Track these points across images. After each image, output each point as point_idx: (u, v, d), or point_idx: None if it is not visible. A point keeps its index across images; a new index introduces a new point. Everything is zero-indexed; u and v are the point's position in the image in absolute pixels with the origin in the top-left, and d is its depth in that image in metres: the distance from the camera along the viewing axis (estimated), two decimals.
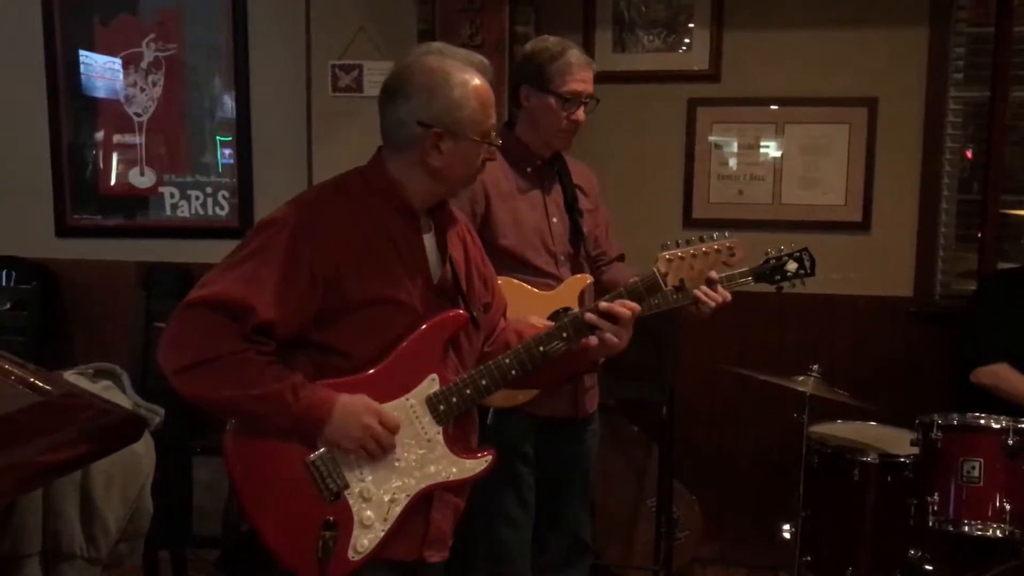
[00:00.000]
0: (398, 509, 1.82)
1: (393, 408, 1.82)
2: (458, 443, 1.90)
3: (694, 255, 1.98)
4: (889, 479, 2.94)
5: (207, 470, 3.47)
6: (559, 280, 2.56)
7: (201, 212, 4.19)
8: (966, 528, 2.74)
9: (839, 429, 3.23)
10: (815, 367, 3.07)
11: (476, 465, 1.89)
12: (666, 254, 1.97)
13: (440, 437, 1.86)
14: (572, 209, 2.62)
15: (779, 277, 2.49)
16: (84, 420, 1.66)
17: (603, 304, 1.92)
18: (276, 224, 1.77)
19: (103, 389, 2.63)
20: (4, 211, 4.33)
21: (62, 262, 4.27)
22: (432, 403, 1.85)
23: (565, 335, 1.91)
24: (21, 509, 2.45)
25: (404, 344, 1.83)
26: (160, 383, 3.14)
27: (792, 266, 2.43)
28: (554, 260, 2.57)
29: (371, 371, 1.81)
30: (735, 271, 2.45)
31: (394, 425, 1.81)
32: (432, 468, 1.85)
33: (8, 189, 4.32)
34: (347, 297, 1.77)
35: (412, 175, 1.85)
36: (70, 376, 2.53)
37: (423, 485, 1.85)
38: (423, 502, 1.87)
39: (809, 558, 3.06)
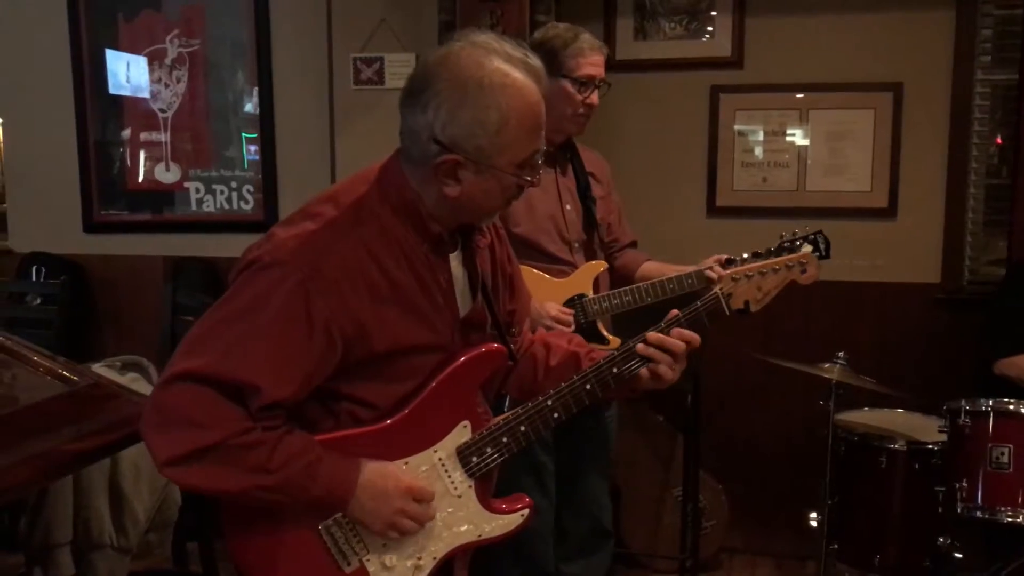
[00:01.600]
0: (423, 575, 1.62)
1: (419, 463, 1.59)
2: (489, 494, 1.68)
3: (762, 272, 1.86)
4: (917, 466, 2.92)
5: None
6: (573, 267, 2.57)
7: (226, 207, 4.23)
8: (996, 515, 2.71)
9: (866, 416, 3.21)
10: (841, 354, 3.05)
11: (511, 521, 1.67)
12: (730, 273, 1.85)
13: (472, 492, 1.62)
14: (585, 196, 2.63)
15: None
16: (111, 409, 1.67)
17: (653, 335, 1.66)
18: (279, 269, 1.44)
19: (131, 381, 2.65)
20: (34, 208, 4.39)
21: (90, 257, 4.32)
22: (464, 455, 1.61)
23: (616, 371, 1.65)
24: (52, 500, 2.49)
25: (431, 388, 1.57)
26: None
27: (807, 249, 2.41)
28: (568, 247, 2.58)
29: (394, 420, 1.56)
30: (748, 255, 2.43)
31: (430, 497, 1.57)
32: (463, 527, 1.63)
33: (37, 187, 4.38)
34: (371, 351, 1.50)
35: (429, 195, 1.53)
36: (98, 368, 2.56)
37: (453, 546, 1.63)
38: (448, 563, 1.66)
39: (836, 547, 3.05)
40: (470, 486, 1.62)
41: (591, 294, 2.54)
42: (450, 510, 1.62)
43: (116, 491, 2.56)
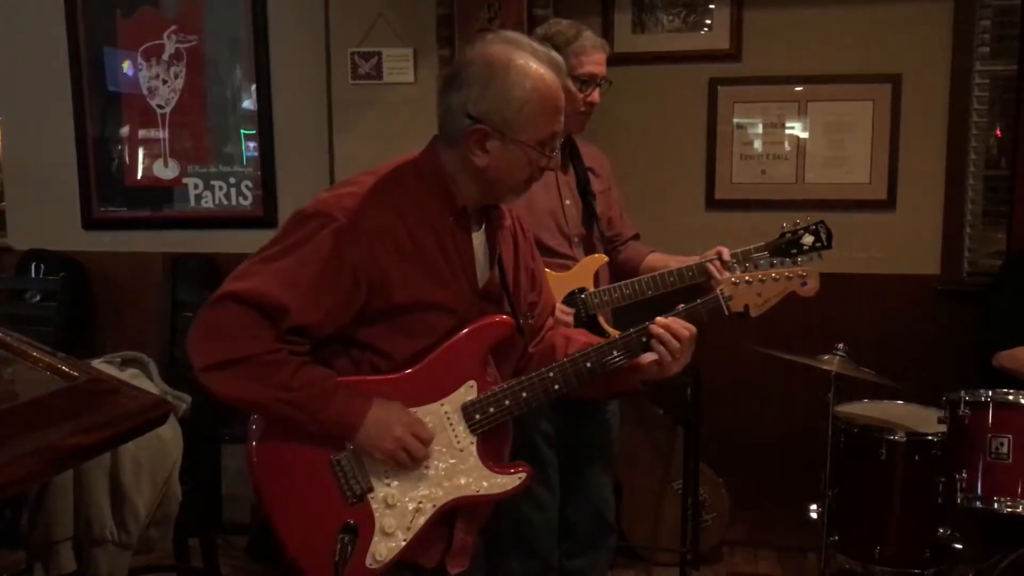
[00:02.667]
0: (422, 519, 1.74)
1: (426, 413, 1.74)
2: (492, 456, 1.79)
3: (763, 280, 1.91)
4: (916, 457, 2.92)
5: (236, 458, 3.49)
6: (574, 261, 2.57)
7: (225, 203, 4.22)
8: (995, 505, 2.72)
9: (865, 408, 3.21)
10: (841, 346, 3.06)
11: (508, 481, 1.78)
12: (732, 277, 1.89)
13: (473, 448, 1.76)
14: (585, 191, 2.63)
15: (795, 251, 2.48)
16: (110, 404, 1.68)
17: (662, 319, 1.79)
18: (320, 219, 1.66)
19: (131, 377, 2.66)
20: (32, 205, 4.39)
21: (89, 254, 4.32)
22: (468, 411, 1.76)
23: (616, 352, 1.79)
24: (53, 496, 2.49)
25: (443, 347, 1.73)
26: (187, 371, 3.19)
27: (808, 239, 2.42)
28: (568, 242, 2.58)
29: (407, 372, 1.73)
30: (750, 246, 2.44)
31: (428, 436, 1.72)
32: (462, 480, 1.76)
33: (36, 184, 4.37)
34: (391, 301, 1.68)
35: (460, 172, 1.73)
36: (98, 364, 2.56)
37: (451, 497, 1.76)
38: (448, 514, 1.78)
39: (837, 538, 3.05)
40: (472, 442, 1.76)
41: (592, 288, 2.55)
42: (452, 461, 1.75)
43: (117, 487, 2.56)
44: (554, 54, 1.72)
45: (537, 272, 1.97)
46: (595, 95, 2.53)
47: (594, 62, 2.51)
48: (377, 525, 1.73)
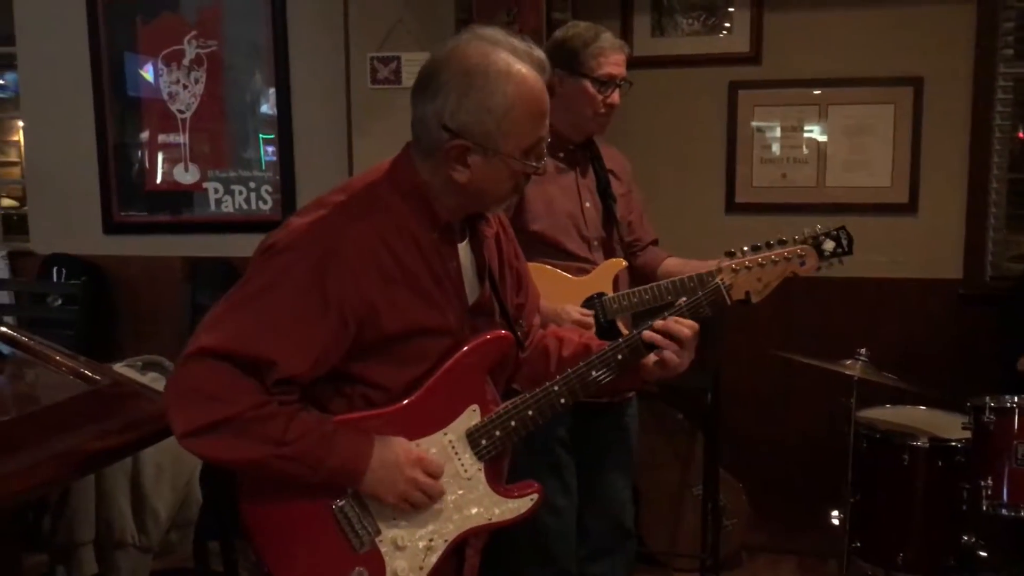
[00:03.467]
0: (434, 558, 1.64)
1: (430, 444, 1.62)
2: (498, 477, 1.70)
3: (762, 264, 1.87)
4: (940, 463, 2.90)
5: None
6: (593, 264, 2.55)
7: (245, 207, 4.24)
8: (1022, 513, 2.69)
9: (888, 413, 3.18)
10: (863, 351, 3.03)
11: (520, 505, 1.68)
12: (731, 263, 1.85)
13: (481, 475, 1.66)
14: (605, 194, 2.61)
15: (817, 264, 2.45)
16: (132, 408, 1.68)
17: (659, 322, 1.70)
18: (294, 252, 1.50)
19: (151, 381, 2.66)
20: (54, 209, 4.42)
21: (110, 258, 4.34)
22: (473, 437, 1.64)
23: (621, 357, 1.69)
24: (75, 499, 2.51)
25: (441, 372, 1.61)
26: None
27: (829, 245, 2.37)
28: (587, 245, 2.56)
29: (405, 403, 1.60)
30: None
31: (438, 471, 1.61)
32: (473, 510, 1.66)
33: (57, 188, 4.41)
34: (382, 332, 1.54)
35: (440, 185, 1.57)
36: (120, 368, 2.58)
37: (463, 529, 1.66)
38: (459, 544, 1.68)
39: (859, 545, 3.03)
40: (480, 469, 1.66)
41: (611, 292, 2.53)
42: (460, 492, 1.65)
43: (138, 490, 2.58)
44: (537, 51, 1.56)
45: (521, 271, 1.86)
46: (615, 97, 2.51)
47: (613, 63, 2.49)
48: (388, 570, 1.62)
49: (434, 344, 1.61)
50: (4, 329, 2.11)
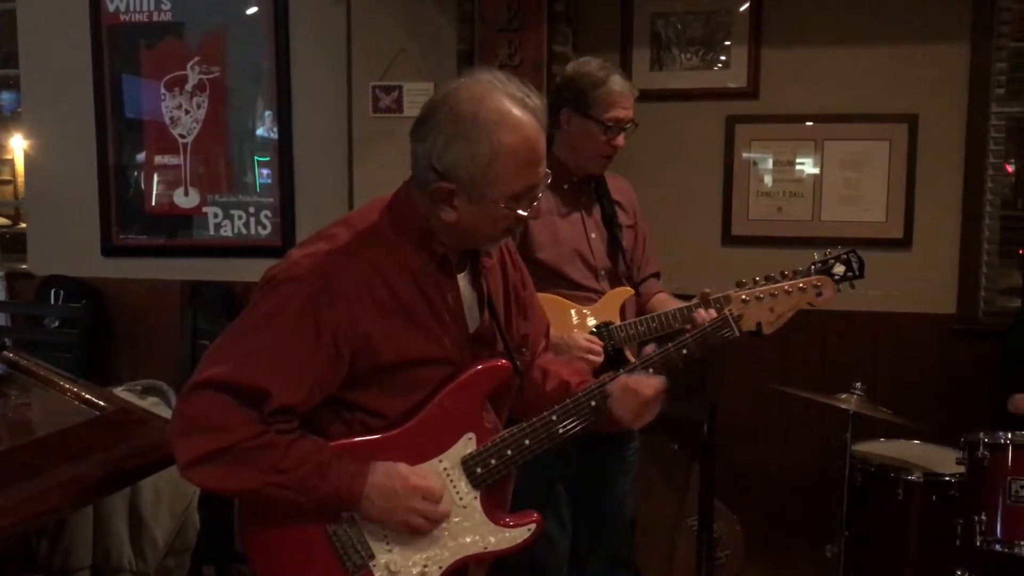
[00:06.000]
0: None
1: (424, 470, 1.63)
2: (497, 506, 1.71)
3: (774, 295, 1.84)
4: (934, 498, 2.91)
5: None
6: (599, 294, 2.56)
7: (244, 231, 4.26)
8: (1015, 548, 2.70)
9: (882, 447, 3.20)
10: (858, 385, 3.05)
11: (518, 535, 1.69)
12: (741, 294, 1.83)
13: (477, 503, 1.67)
14: (611, 223, 2.63)
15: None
16: (139, 435, 1.69)
17: (622, 378, 1.74)
18: (291, 284, 1.54)
19: (151, 405, 2.67)
20: (52, 231, 4.43)
21: (108, 281, 4.35)
22: (468, 465, 1.66)
23: (594, 403, 1.72)
24: (72, 524, 2.50)
25: (437, 400, 1.63)
26: None
27: (840, 269, 2.36)
28: (593, 274, 2.57)
29: (401, 429, 1.63)
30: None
31: (438, 495, 1.62)
32: (468, 538, 1.66)
33: (56, 210, 4.42)
34: (377, 361, 1.58)
35: (433, 220, 1.60)
36: (120, 393, 2.58)
37: (457, 557, 1.66)
38: (457, 573, 1.69)
39: None
40: (475, 497, 1.67)
41: (618, 321, 2.54)
42: (456, 520, 1.66)
43: (136, 516, 2.58)
44: (533, 98, 1.56)
45: (527, 300, 1.87)
46: (620, 139, 2.53)
47: (622, 108, 2.50)
48: None
49: (432, 373, 1.63)
50: (8, 354, 2.12)
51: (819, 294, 1.94)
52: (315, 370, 1.53)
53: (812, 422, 3.52)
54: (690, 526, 3.62)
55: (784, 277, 1.95)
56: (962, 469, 2.86)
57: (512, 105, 1.53)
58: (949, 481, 2.90)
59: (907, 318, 3.73)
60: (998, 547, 2.72)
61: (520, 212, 1.57)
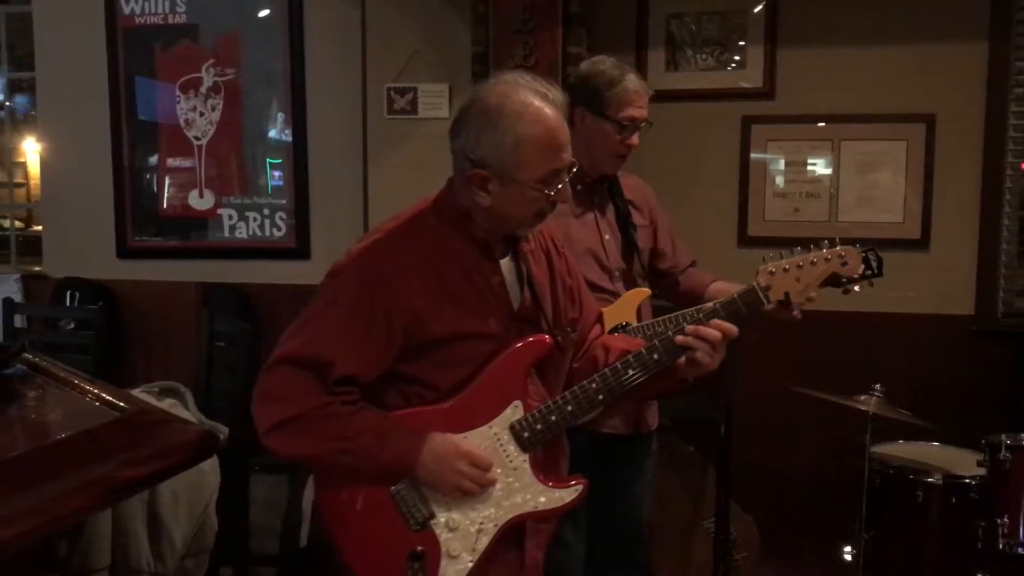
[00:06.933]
0: (486, 540, 1.79)
1: (476, 436, 1.80)
2: (547, 471, 1.85)
3: (800, 266, 1.86)
4: (954, 500, 2.89)
5: (263, 487, 3.50)
6: (615, 295, 2.55)
7: (259, 233, 4.26)
8: None
9: (901, 449, 3.17)
10: (878, 386, 3.03)
11: (566, 495, 1.83)
12: (769, 266, 1.84)
13: (527, 465, 1.81)
14: (625, 224, 2.62)
15: (845, 280, 2.43)
16: (161, 436, 1.69)
17: (691, 327, 1.81)
18: (348, 272, 1.78)
19: (169, 407, 2.66)
20: (68, 234, 4.45)
21: (123, 283, 4.37)
22: (516, 430, 1.81)
23: (656, 356, 1.82)
24: (91, 525, 2.50)
25: (485, 372, 1.80)
26: (222, 401, 3.21)
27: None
28: (608, 276, 2.56)
29: (455, 400, 1.80)
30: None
31: (485, 463, 1.78)
32: (519, 498, 1.81)
33: (72, 212, 4.44)
34: (428, 337, 1.76)
35: (472, 208, 1.80)
36: (138, 394, 2.58)
37: (511, 515, 1.81)
38: (514, 532, 1.83)
39: None
40: (525, 460, 1.81)
41: (635, 322, 2.52)
42: (508, 480, 1.80)
43: (154, 517, 2.58)
44: (554, 92, 1.76)
45: (576, 288, 2.01)
46: (634, 139, 2.52)
47: (636, 107, 2.49)
48: (443, 549, 1.78)
49: (478, 347, 1.80)
50: (28, 355, 2.12)
51: (844, 263, 1.92)
52: (371, 345, 1.73)
53: (829, 423, 3.50)
54: (706, 528, 3.60)
55: (808, 250, 1.95)
56: (982, 471, 2.83)
57: (534, 98, 1.73)
58: (969, 483, 2.87)
59: (924, 319, 3.71)
60: (1021, 550, 2.69)
61: (547, 192, 1.74)
